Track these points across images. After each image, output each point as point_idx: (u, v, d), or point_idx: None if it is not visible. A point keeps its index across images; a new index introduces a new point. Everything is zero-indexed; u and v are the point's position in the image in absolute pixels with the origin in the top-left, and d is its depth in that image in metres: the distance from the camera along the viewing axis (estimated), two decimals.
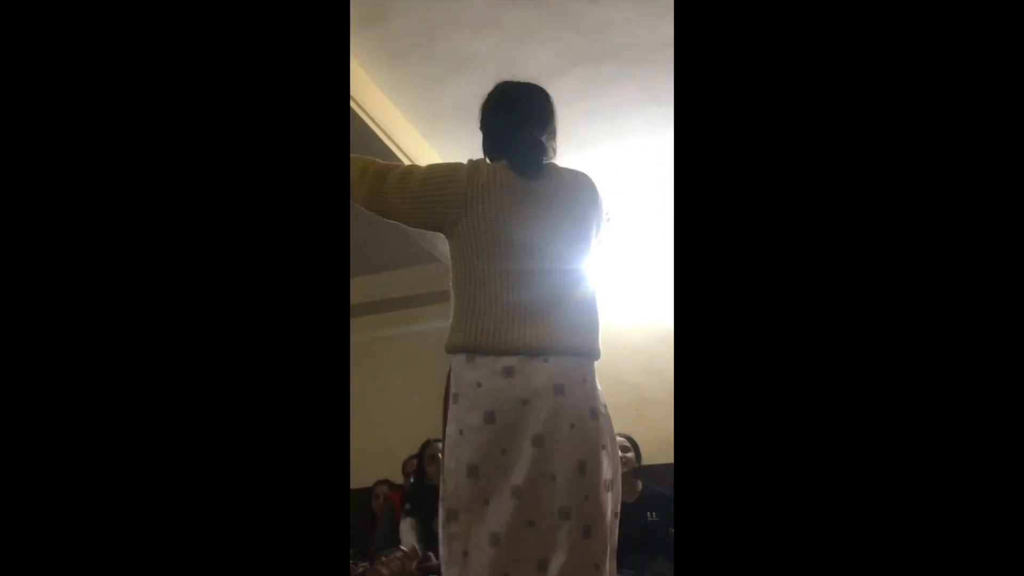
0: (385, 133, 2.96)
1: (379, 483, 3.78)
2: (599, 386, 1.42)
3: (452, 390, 1.37)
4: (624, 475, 3.30)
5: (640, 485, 3.36)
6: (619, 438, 3.35)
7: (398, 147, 3.07)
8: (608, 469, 1.37)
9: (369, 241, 2.93)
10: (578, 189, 1.50)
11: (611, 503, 1.37)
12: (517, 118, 1.51)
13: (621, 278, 4.34)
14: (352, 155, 1.46)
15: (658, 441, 3.72)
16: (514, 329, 1.34)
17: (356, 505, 3.72)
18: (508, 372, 1.31)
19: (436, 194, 1.41)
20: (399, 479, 3.70)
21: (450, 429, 1.36)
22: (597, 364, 1.42)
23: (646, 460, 3.48)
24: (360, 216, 1.41)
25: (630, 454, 3.38)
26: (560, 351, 1.35)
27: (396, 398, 4.29)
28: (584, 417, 1.34)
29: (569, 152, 3.62)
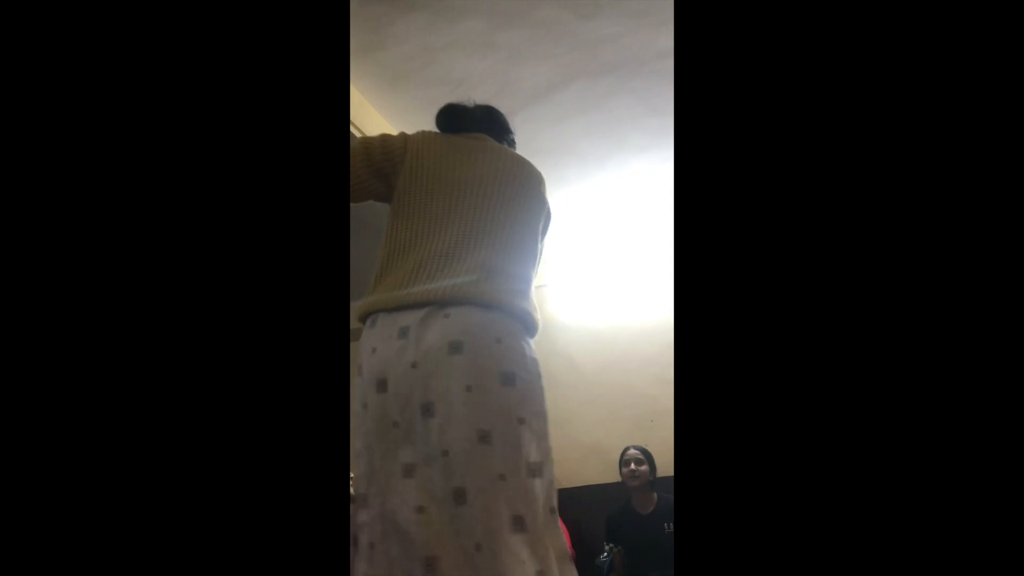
0: None
1: None
2: (529, 351, 1.18)
3: (357, 361, 1.19)
4: (638, 487, 3.32)
5: (656, 497, 3.34)
6: (634, 450, 3.39)
7: None
8: (533, 449, 1.11)
9: None
10: (525, 166, 1.40)
11: (542, 492, 1.11)
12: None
13: (629, 289, 4.35)
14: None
15: (673, 453, 3.70)
16: (422, 278, 1.17)
17: None
18: (403, 332, 1.14)
19: (379, 150, 1.34)
20: None
21: (354, 405, 1.16)
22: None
23: (661, 472, 3.45)
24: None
25: (644, 467, 3.36)
26: (467, 302, 1.14)
27: None
28: (488, 381, 1.10)
29: (570, 166, 3.68)
